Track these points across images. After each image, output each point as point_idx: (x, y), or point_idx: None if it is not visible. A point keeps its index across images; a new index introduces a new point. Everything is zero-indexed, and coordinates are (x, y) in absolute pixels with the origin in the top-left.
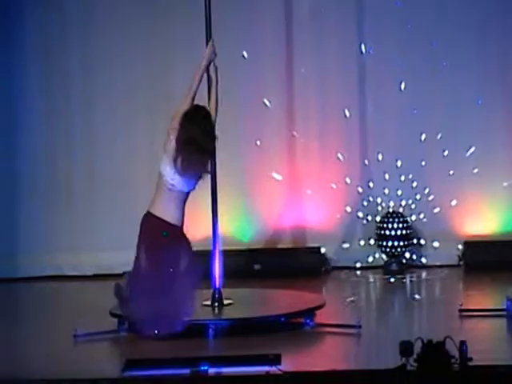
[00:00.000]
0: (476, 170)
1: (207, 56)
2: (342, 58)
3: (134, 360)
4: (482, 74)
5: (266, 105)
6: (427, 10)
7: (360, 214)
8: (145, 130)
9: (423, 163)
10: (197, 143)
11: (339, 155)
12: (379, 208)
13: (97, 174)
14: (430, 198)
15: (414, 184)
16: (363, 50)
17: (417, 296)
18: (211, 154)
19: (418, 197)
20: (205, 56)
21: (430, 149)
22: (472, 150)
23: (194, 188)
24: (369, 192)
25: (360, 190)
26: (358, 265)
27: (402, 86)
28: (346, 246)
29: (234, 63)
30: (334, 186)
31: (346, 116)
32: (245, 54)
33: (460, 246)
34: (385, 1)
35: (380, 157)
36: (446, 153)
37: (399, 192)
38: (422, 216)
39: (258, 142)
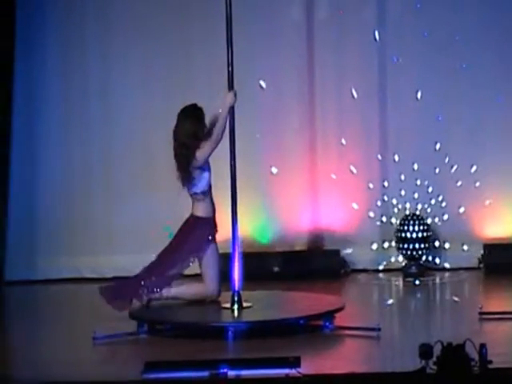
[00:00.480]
0: (496, 172)
1: (228, 105)
2: (361, 55)
3: (153, 362)
4: (502, 73)
5: (285, 107)
6: (446, 10)
7: (378, 217)
8: (163, 133)
9: (442, 166)
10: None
11: (360, 158)
12: (396, 210)
13: (115, 176)
14: (449, 200)
15: (432, 187)
16: (377, 36)
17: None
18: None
19: (437, 199)
20: (225, 105)
21: (449, 151)
22: (492, 151)
23: (194, 192)
24: (387, 193)
25: (378, 192)
26: (377, 267)
27: (419, 93)
28: (365, 248)
29: (253, 62)
30: (352, 187)
31: (366, 119)
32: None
33: (477, 249)
34: (404, 2)
35: (397, 157)
36: (465, 155)
37: (416, 195)
38: (441, 219)
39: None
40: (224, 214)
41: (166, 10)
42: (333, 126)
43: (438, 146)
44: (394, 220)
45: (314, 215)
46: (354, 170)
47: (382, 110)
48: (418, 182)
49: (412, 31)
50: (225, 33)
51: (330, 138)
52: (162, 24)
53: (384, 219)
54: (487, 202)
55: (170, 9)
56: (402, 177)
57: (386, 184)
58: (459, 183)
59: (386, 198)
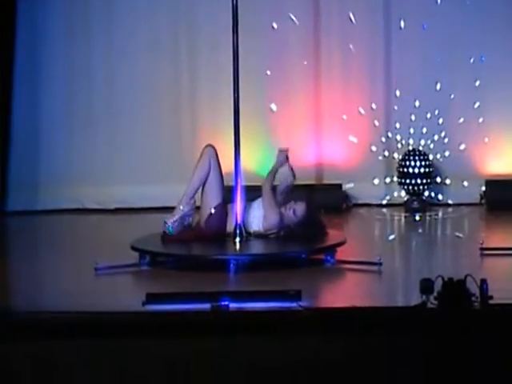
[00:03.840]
0: (499, 109)
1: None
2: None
3: (154, 294)
4: None
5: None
6: None
7: (381, 151)
8: (168, 67)
9: (445, 101)
10: None
11: (363, 94)
12: (399, 145)
13: (117, 107)
14: (452, 136)
15: (436, 121)
16: None
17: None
18: None
19: (440, 135)
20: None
21: (452, 86)
22: (496, 85)
23: None
24: (390, 129)
25: (382, 127)
26: (379, 202)
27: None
28: (367, 182)
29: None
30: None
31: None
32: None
33: (479, 185)
34: None
35: (399, 94)
36: (467, 90)
37: (422, 130)
38: (443, 154)
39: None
40: (227, 147)
41: None
42: (337, 64)
43: (440, 83)
44: (396, 155)
45: (316, 149)
46: (357, 106)
47: (386, 49)
48: (421, 118)
49: None
50: None
51: (335, 75)
52: None
53: (386, 154)
54: (486, 140)
55: None
56: (405, 113)
57: (388, 119)
58: (464, 118)
59: (390, 134)
